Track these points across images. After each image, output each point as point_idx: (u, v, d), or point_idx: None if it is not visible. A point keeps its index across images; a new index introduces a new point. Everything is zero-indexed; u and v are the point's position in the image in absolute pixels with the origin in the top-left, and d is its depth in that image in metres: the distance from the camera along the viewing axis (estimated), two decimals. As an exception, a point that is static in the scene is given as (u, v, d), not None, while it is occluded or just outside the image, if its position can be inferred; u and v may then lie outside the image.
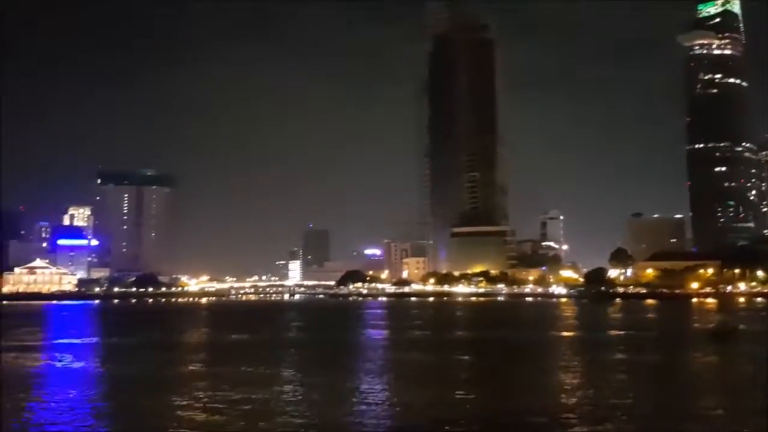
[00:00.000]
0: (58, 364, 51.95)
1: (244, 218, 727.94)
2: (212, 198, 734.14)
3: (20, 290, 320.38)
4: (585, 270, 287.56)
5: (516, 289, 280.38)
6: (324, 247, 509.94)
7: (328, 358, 56.54)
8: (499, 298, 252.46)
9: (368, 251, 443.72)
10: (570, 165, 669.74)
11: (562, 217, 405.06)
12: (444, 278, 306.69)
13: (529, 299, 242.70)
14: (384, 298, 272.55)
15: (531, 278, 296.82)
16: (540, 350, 63.91)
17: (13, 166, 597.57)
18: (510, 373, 46.58)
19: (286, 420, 29.29)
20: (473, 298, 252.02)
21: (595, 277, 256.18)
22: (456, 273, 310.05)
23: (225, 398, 34.49)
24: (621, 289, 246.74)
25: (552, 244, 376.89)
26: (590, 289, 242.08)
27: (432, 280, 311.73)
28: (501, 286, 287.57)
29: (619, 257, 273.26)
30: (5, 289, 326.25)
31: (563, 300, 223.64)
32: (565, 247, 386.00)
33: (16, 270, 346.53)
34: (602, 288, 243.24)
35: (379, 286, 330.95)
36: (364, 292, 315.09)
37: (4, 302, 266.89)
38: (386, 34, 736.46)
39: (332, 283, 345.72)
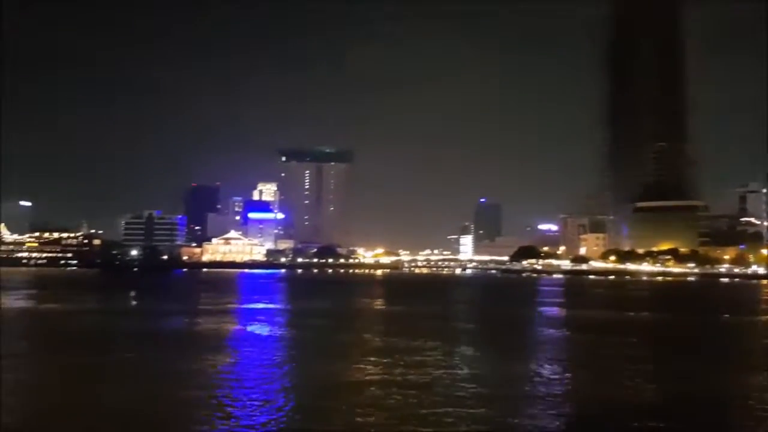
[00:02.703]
0: (249, 328, 55.30)
1: (417, 193, 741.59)
2: (387, 173, 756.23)
3: (217, 259, 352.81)
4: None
5: (708, 269, 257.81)
6: (496, 221, 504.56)
7: (499, 333, 54.86)
8: (688, 279, 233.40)
9: (543, 226, 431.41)
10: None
11: (765, 190, 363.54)
12: (626, 256, 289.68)
13: (724, 280, 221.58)
14: (559, 276, 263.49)
15: (726, 257, 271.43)
16: (736, 336, 57.20)
17: (211, 146, 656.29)
18: (694, 361, 41.68)
19: (458, 394, 28.19)
20: (659, 278, 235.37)
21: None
22: (639, 250, 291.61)
23: (397, 369, 34.22)
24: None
25: (752, 219, 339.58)
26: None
27: (612, 258, 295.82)
28: (691, 265, 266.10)
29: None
30: (204, 258, 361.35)
31: (765, 282, 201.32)
32: (767, 223, 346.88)
33: (214, 240, 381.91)
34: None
35: (555, 262, 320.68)
36: (539, 268, 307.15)
37: (204, 270, 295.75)
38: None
39: (505, 258, 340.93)
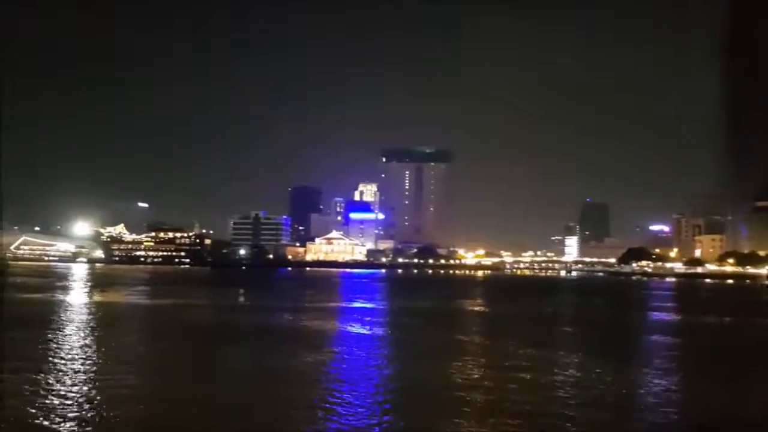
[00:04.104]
0: (350, 326, 55.59)
1: (520, 193, 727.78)
2: (488, 173, 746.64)
3: (320, 258, 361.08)
4: None
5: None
6: (603, 222, 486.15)
7: (605, 339, 52.10)
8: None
9: (654, 227, 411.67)
10: None
11: None
12: (746, 258, 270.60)
13: None
14: (672, 279, 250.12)
15: None
16: None
17: (314, 147, 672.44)
18: None
19: (558, 405, 26.66)
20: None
21: None
22: (761, 253, 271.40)
23: (494, 374, 33.02)
24: None
25: None
26: None
27: (730, 261, 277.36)
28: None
29: None
30: (308, 257, 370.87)
31: None
32: None
33: (317, 240, 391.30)
34: None
35: (667, 265, 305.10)
36: (649, 271, 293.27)
37: (307, 268, 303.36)
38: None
39: (612, 260, 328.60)
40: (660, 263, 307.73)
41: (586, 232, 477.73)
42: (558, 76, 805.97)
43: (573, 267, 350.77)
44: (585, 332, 57.78)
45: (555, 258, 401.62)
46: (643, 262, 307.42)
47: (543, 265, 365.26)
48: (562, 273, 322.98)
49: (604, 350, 43.71)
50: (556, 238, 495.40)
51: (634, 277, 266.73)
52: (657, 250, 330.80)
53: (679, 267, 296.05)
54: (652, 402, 27.80)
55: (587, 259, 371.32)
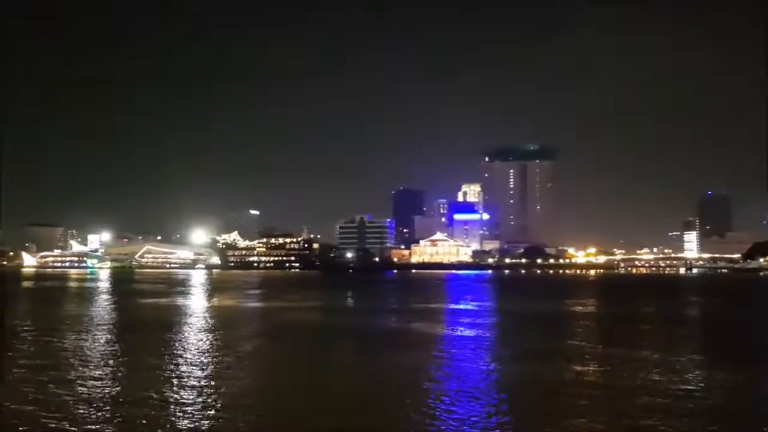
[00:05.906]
0: (456, 329, 54.86)
1: (632, 187, 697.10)
2: (596, 168, 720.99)
3: (425, 260, 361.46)
4: None
5: None
6: (725, 215, 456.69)
7: (734, 342, 48.27)
8: None
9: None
10: None
11: None
12: None
13: None
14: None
15: None
16: None
17: (416, 149, 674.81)
18: None
19: (676, 415, 24.65)
20: None
21: None
22: None
23: (608, 379, 31.22)
24: None
25: None
26: None
27: None
28: None
29: None
30: (413, 259, 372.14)
31: None
32: None
33: (421, 242, 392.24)
34: None
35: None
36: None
37: (413, 271, 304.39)
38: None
39: (736, 255, 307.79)
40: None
41: (707, 227, 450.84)
42: (672, 68, 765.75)
43: (693, 264, 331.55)
44: (709, 334, 54.00)
45: (673, 255, 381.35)
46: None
47: (660, 262, 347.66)
48: (682, 270, 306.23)
49: (729, 354, 40.51)
50: (674, 233, 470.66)
51: (761, 273, 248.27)
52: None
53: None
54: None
55: (708, 255, 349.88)
